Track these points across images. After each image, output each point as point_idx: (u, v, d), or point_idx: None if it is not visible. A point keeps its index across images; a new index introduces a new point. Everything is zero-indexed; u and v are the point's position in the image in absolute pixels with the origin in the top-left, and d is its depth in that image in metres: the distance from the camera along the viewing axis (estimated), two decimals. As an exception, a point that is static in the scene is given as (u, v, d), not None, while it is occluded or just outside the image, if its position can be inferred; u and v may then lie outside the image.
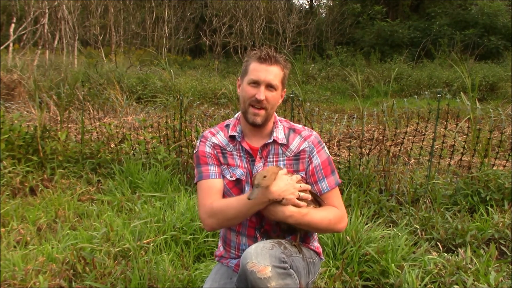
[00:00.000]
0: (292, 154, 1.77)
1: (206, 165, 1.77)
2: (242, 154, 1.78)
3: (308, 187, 1.70)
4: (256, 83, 1.70)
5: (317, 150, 1.78)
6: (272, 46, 17.51)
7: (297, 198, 1.63)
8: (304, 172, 1.77)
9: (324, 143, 1.83)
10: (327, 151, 1.83)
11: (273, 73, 1.70)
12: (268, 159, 1.76)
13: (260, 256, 1.49)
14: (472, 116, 3.74)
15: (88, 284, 2.25)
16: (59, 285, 2.26)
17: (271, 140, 1.76)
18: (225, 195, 1.76)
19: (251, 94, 1.70)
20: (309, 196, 1.68)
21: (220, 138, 1.81)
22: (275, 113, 1.82)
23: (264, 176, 1.58)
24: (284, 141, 1.77)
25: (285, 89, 1.79)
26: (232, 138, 1.79)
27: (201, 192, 1.75)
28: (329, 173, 1.79)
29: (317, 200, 1.74)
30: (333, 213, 1.73)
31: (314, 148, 1.78)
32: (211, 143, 1.80)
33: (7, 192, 3.66)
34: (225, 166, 1.78)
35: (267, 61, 1.69)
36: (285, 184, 1.62)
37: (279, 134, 1.78)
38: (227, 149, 1.79)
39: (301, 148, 1.77)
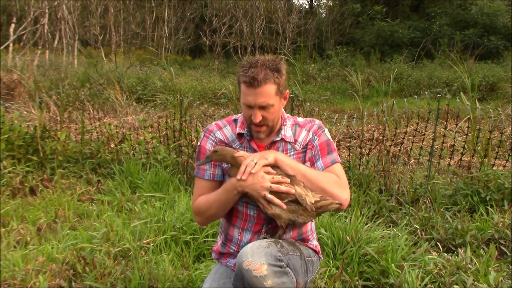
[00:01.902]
0: (301, 147, 1.77)
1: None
2: (249, 152, 1.75)
3: (287, 180, 1.60)
4: (249, 107, 1.66)
5: (318, 135, 1.79)
6: (272, 47, 17.52)
7: (271, 191, 1.57)
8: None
9: (325, 128, 1.82)
10: (328, 135, 1.81)
11: (263, 94, 1.61)
12: None
13: (256, 254, 1.48)
14: (472, 116, 3.73)
15: (88, 284, 2.25)
16: (59, 285, 2.26)
17: (278, 138, 1.75)
18: None
19: (248, 115, 1.68)
20: (290, 190, 1.57)
21: (226, 132, 1.78)
22: (282, 110, 1.79)
23: (215, 151, 1.63)
24: (292, 139, 1.77)
25: (286, 91, 1.73)
26: (240, 135, 1.77)
27: (195, 188, 1.82)
28: (326, 153, 1.75)
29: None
30: (329, 176, 1.67)
31: (315, 135, 1.79)
32: (214, 139, 1.78)
33: (7, 192, 3.66)
34: (229, 165, 1.77)
35: (253, 85, 1.60)
36: (253, 179, 1.59)
37: (287, 132, 1.77)
38: (233, 145, 1.77)
39: (307, 139, 1.78)
